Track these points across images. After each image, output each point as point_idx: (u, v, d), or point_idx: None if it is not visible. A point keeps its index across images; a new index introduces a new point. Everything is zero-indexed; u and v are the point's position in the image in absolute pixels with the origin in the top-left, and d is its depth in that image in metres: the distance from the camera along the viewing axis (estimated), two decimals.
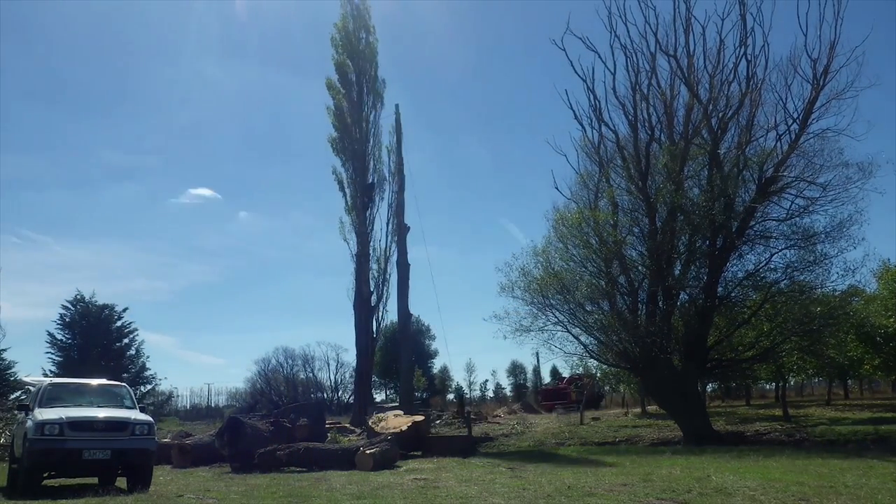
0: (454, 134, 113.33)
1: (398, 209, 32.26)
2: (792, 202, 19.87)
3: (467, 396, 65.49)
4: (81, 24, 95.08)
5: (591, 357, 22.71)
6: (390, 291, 32.67)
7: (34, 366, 57.07)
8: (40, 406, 10.92)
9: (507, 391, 67.01)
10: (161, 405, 43.79)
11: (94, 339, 36.03)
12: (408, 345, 33.65)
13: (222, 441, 15.62)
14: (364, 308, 32.79)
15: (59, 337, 36.38)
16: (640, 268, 21.08)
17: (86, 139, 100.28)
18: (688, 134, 20.59)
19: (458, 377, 69.45)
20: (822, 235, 19.27)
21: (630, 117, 21.01)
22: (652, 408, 28.71)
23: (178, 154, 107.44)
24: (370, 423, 19.53)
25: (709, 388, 34.14)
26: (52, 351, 36.11)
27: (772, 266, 19.96)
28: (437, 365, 62.01)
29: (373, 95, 34.46)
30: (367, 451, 14.35)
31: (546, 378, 55.40)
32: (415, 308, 32.42)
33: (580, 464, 14.03)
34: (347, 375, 55.71)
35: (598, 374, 31.50)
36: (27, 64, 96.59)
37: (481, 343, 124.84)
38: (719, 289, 20.09)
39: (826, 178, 19.21)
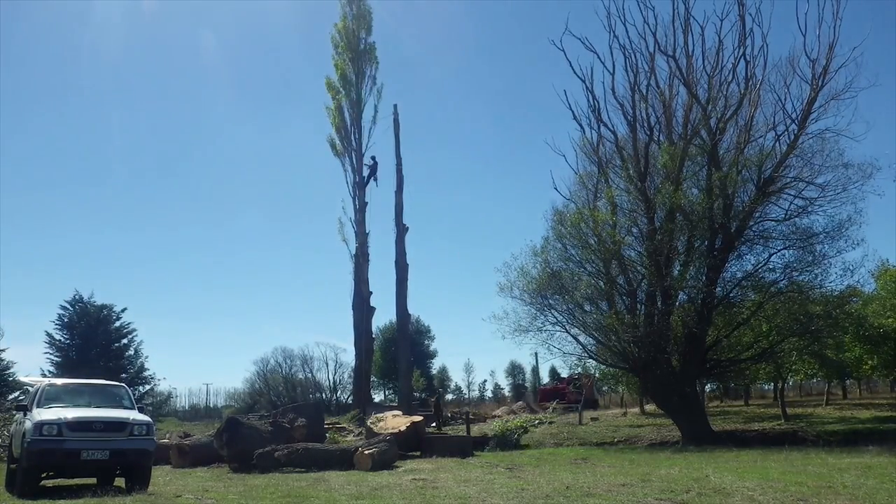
0: (452, 134, 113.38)
1: (397, 209, 32.30)
2: (791, 202, 19.97)
3: (465, 397, 65.56)
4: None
5: (590, 357, 22.73)
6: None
7: (33, 366, 57.07)
8: (39, 406, 10.89)
9: (506, 391, 66.97)
10: (160, 405, 43.79)
11: (92, 340, 36.01)
12: (406, 345, 33.71)
13: (221, 441, 15.62)
14: (363, 308, 32.79)
15: (57, 337, 36.38)
16: (638, 268, 21.08)
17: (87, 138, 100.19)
18: (687, 134, 20.60)
19: (457, 377, 69.52)
20: (822, 236, 19.37)
21: (629, 118, 21.07)
22: (651, 408, 28.70)
23: (180, 152, 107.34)
24: (369, 424, 19.52)
25: (707, 388, 34.12)
26: (51, 351, 36.12)
27: (770, 266, 20.05)
28: (436, 365, 62.03)
29: (373, 95, 34.50)
30: (366, 452, 14.35)
31: (545, 378, 55.39)
32: (413, 308, 32.22)
33: (579, 464, 14.04)
34: (346, 376, 55.62)
35: (597, 375, 31.47)
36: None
37: (480, 343, 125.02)
38: (718, 289, 20.10)
39: (825, 178, 19.33)
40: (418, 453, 17.32)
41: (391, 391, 56.04)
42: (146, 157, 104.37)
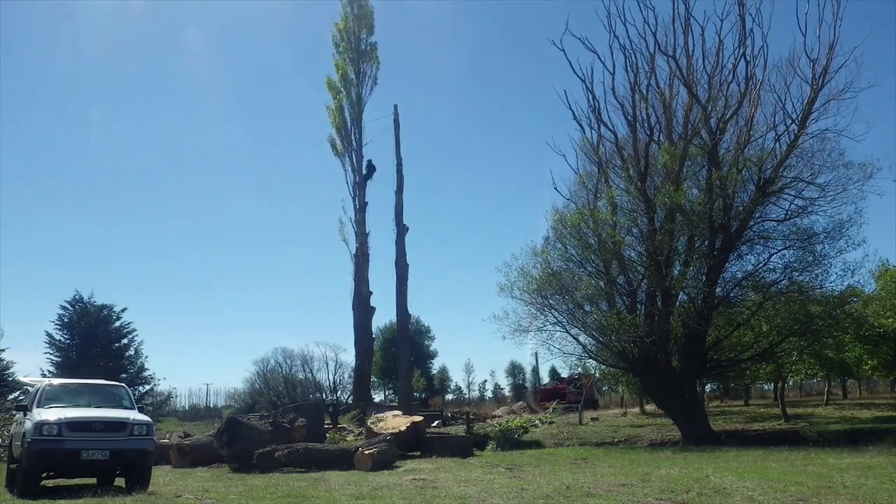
0: (452, 134, 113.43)
1: (397, 209, 32.30)
2: (791, 203, 19.96)
3: (466, 397, 65.51)
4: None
5: (590, 357, 22.73)
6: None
7: (33, 366, 57.06)
8: (39, 406, 10.92)
9: (506, 391, 66.90)
10: (160, 405, 43.72)
11: (92, 340, 35.99)
12: (406, 345, 33.69)
13: (221, 441, 15.63)
14: (363, 308, 32.80)
15: (57, 337, 36.36)
16: (638, 268, 21.08)
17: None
18: (687, 134, 20.59)
19: (457, 377, 69.33)
20: (822, 236, 19.38)
21: (629, 117, 21.05)
22: (651, 408, 28.71)
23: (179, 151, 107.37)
24: (369, 424, 19.52)
25: (707, 388, 34.14)
26: (51, 351, 36.10)
27: (771, 266, 20.06)
28: (436, 365, 61.96)
29: (373, 95, 34.53)
30: (366, 452, 14.36)
31: (545, 378, 55.33)
32: (413, 308, 32.22)
33: (579, 464, 14.04)
34: (346, 376, 55.58)
35: (597, 375, 31.48)
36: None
37: (480, 343, 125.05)
38: (718, 289, 20.10)
39: (825, 178, 19.32)
40: (418, 453, 17.31)
41: (391, 391, 56.00)
42: (144, 157, 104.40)
